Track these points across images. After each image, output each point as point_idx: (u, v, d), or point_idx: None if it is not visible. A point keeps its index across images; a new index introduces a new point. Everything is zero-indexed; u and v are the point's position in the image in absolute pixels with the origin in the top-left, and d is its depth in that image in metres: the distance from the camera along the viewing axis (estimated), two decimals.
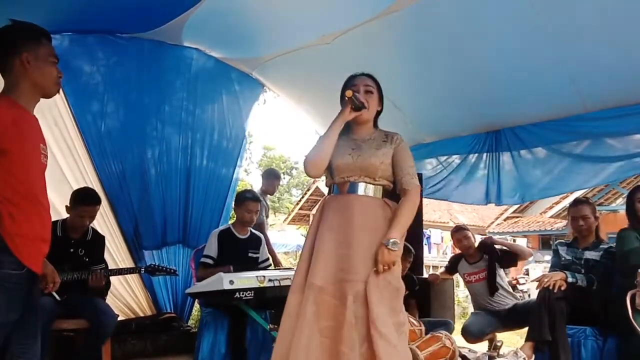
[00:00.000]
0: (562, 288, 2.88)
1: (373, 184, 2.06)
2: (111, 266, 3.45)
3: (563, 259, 3.22)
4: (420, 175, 4.28)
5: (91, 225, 3.10)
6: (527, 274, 10.71)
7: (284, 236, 16.93)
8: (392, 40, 3.33)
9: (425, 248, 12.77)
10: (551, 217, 14.20)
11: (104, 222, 3.67)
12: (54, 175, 3.32)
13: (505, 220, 16.28)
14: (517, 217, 16.21)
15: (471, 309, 4.40)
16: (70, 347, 2.88)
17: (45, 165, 1.77)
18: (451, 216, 17.21)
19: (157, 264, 3.28)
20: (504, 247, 3.88)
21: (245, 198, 3.45)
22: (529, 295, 7.95)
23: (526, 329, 3.07)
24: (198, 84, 4.10)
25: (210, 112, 4.25)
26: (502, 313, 3.63)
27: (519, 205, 16.31)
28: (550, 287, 2.89)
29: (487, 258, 3.72)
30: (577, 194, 12.40)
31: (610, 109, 3.21)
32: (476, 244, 3.87)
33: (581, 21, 2.73)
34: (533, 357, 2.91)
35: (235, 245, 3.40)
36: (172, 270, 3.25)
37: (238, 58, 4.09)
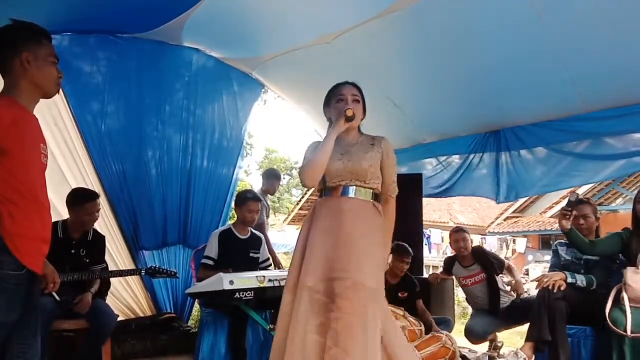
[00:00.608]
0: (562, 288, 2.89)
1: (363, 187, 2.13)
2: (111, 267, 3.45)
3: (563, 259, 3.22)
4: (420, 175, 4.33)
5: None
6: (527, 274, 10.73)
7: (284, 236, 16.90)
8: (392, 40, 3.33)
9: (425, 248, 12.77)
10: (551, 217, 14.19)
11: (103, 222, 3.67)
12: (54, 176, 3.32)
13: (505, 220, 16.27)
14: (517, 217, 16.21)
15: (471, 310, 4.41)
16: (70, 347, 2.88)
17: (46, 165, 1.76)
18: (451, 216, 17.21)
19: (157, 266, 3.28)
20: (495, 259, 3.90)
21: (247, 198, 3.45)
22: (529, 296, 7.94)
23: (526, 328, 3.07)
24: (198, 84, 4.10)
25: (210, 112, 4.25)
26: (502, 311, 3.63)
27: (519, 205, 16.34)
28: (550, 287, 2.89)
29: (480, 263, 3.73)
30: (579, 192, 12.40)
31: (610, 109, 3.21)
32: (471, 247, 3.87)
33: (581, 21, 2.73)
34: (533, 357, 2.91)
35: (235, 245, 3.41)
36: (172, 273, 3.25)
37: (238, 58, 4.09)
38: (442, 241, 14.97)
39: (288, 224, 19.16)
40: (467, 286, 3.82)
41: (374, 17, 3.07)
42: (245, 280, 2.66)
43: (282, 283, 2.68)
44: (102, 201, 3.64)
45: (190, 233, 4.17)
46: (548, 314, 2.85)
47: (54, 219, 1.98)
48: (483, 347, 3.78)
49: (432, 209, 16.16)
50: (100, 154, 3.71)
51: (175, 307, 4.20)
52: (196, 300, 3.75)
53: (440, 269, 4.34)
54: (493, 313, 3.65)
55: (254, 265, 3.44)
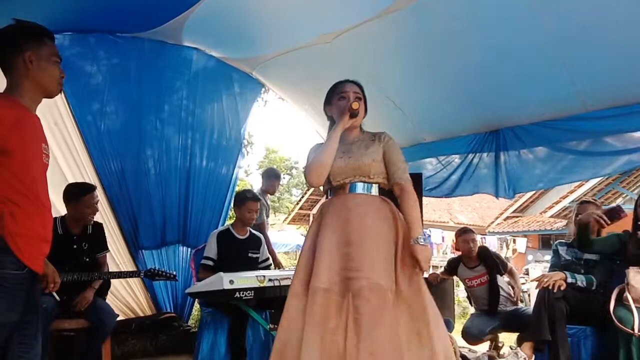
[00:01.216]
0: (562, 288, 2.89)
1: (369, 182, 2.11)
2: (111, 266, 3.46)
3: (563, 259, 3.22)
4: (420, 175, 4.33)
5: None
6: (527, 274, 10.71)
7: (284, 236, 16.91)
8: (392, 39, 3.33)
9: None
10: (551, 216, 14.19)
11: (103, 221, 3.66)
12: (54, 175, 3.31)
13: (505, 220, 16.27)
14: (517, 216, 16.21)
15: (471, 309, 4.40)
16: (70, 347, 2.88)
17: (47, 165, 1.77)
18: (451, 216, 17.22)
19: (157, 268, 3.29)
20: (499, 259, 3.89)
21: (246, 198, 3.46)
22: (529, 295, 7.95)
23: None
24: (198, 83, 4.10)
25: (210, 112, 4.25)
26: (503, 315, 3.62)
27: (519, 205, 16.34)
28: (550, 287, 2.89)
29: (485, 264, 3.72)
30: (579, 192, 12.42)
31: (610, 109, 3.21)
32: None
33: (581, 21, 2.72)
34: (533, 357, 2.91)
35: (234, 245, 3.41)
36: (172, 276, 3.25)
37: (238, 57, 4.09)
38: (443, 241, 14.96)
39: (288, 223, 19.18)
40: (473, 287, 3.81)
41: (373, 17, 3.07)
42: (245, 279, 2.67)
43: (282, 283, 2.69)
44: (102, 201, 3.66)
45: (189, 233, 4.18)
46: (548, 314, 2.85)
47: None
48: (483, 347, 3.78)
49: (432, 209, 16.17)
50: (100, 153, 3.71)
51: (175, 306, 4.20)
52: (196, 300, 3.76)
53: (441, 269, 4.34)
54: (491, 315, 3.65)
55: (253, 265, 3.45)
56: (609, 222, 2.77)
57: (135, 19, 3.36)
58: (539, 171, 3.73)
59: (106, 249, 3.23)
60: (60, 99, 3.39)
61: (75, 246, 2.99)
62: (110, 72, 3.72)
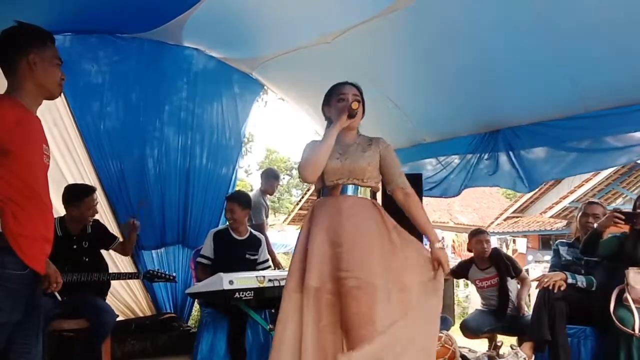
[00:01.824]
0: (562, 288, 2.89)
1: (361, 186, 2.14)
2: (111, 267, 3.46)
3: (563, 259, 3.22)
4: (420, 175, 4.32)
5: None
6: (527, 274, 10.71)
7: (284, 236, 16.89)
8: (392, 39, 3.33)
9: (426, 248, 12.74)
10: (551, 217, 14.19)
11: (103, 222, 3.67)
12: (54, 175, 3.31)
13: (505, 220, 16.26)
14: (517, 217, 16.21)
15: (471, 310, 4.40)
16: (70, 347, 2.88)
17: (48, 165, 1.78)
18: (451, 216, 17.20)
19: (156, 269, 3.30)
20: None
21: (227, 199, 3.51)
22: (529, 296, 7.94)
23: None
24: (198, 83, 4.10)
25: (210, 112, 4.26)
26: (505, 317, 3.61)
27: (519, 205, 16.34)
28: (550, 288, 2.89)
29: (497, 267, 3.70)
30: (579, 192, 12.40)
31: (610, 109, 3.21)
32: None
33: (581, 21, 2.72)
34: (533, 357, 2.91)
35: (231, 246, 3.40)
36: (171, 277, 3.26)
37: (238, 58, 4.09)
38: (442, 241, 14.95)
39: (288, 224, 19.15)
40: (483, 289, 3.79)
41: (373, 17, 3.07)
42: (245, 280, 2.67)
43: (282, 283, 2.67)
44: (102, 201, 3.66)
45: (189, 233, 4.18)
46: (548, 314, 2.85)
47: None
48: (483, 347, 3.78)
49: (432, 209, 16.15)
50: (99, 153, 3.72)
51: (175, 307, 4.20)
52: (196, 300, 3.75)
53: None
54: (495, 315, 3.65)
55: (251, 266, 3.43)
56: (625, 221, 2.81)
57: (135, 19, 3.36)
58: (540, 169, 3.73)
59: (115, 238, 3.26)
60: (60, 100, 3.39)
61: (75, 247, 3.00)
62: (110, 72, 3.73)
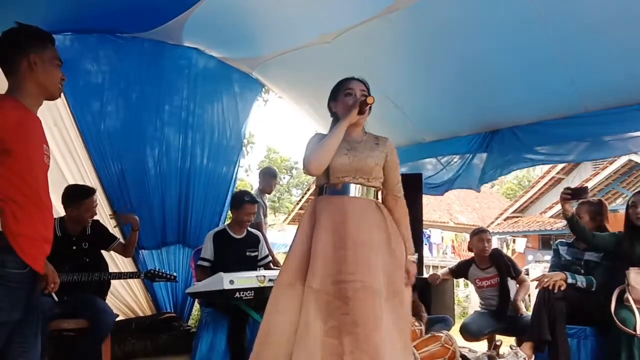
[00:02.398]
0: (562, 288, 2.89)
1: (366, 185, 2.10)
2: (111, 267, 3.46)
3: (563, 259, 3.22)
4: (420, 175, 4.33)
5: None
6: (527, 274, 10.71)
7: (284, 236, 16.90)
8: (392, 39, 3.33)
9: (426, 248, 12.77)
10: (551, 217, 14.20)
11: (103, 222, 3.67)
12: (54, 175, 3.31)
13: (505, 220, 16.27)
14: (517, 217, 16.21)
15: (471, 310, 4.40)
16: (70, 347, 2.88)
17: (48, 165, 1.78)
18: (451, 216, 17.22)
19: (157, 269, 3.29)
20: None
21: (244, 201, 3.45)
22: (529, 296, 7.94)
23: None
24: (198, 83, 4.10)
25: (210, 112, 4.25)
26: (505, 318, 3.61)
27: (519, 205, 16.34)
28: (550, 288, 2.89)
29: (497, 267, 3.70)
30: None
31: (610, 109, 3.21)
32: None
33: (581, 21, 2.72)
34: (533, 357, 2.92)
35: (231, 245, 3.40)
36: (172, 277, 3.25)
37: (238, 58, 4.09)
38: (442, 241, 14.96)
39: (288, 223, 19.15)
40: (482, 288, 3.79)
41: (373, 16, 3.07)
42: (245, 280, 2.67)
43: None
44: (102, 201, 3.66)
45: (189, 233, 4.17)
46: (548, 314, 2.86)
47: None
48: (483, 347, 3.78)
49: (432, 209, 16.16)
50: (99, 153, 3.71)
51: (175, 306, 4.20)
52: (196, 300, 3.75)
53: (441, 270, 4.33)
54: (495, 316, 3.65)
55: (253, 264, 3.44)
56: (572, 196, 2.94)
57: (135, 19, 3.36)
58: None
59: (115, 239, 3.25)
60: (60, 100, 3.36)
61: (74, 247, 2.99)
62: (110, 72, 3.72)
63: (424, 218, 4.64)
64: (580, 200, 3.30)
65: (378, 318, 1.89)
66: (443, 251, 15.01)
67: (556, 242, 3.46)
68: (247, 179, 19.26)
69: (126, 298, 3.98)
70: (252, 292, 2.65)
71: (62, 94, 1.90)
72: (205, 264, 3.34)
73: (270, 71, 4.17)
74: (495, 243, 13.04)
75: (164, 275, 3.22)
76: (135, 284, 4.01)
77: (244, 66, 4.21)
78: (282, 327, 1.96)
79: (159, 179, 4.01)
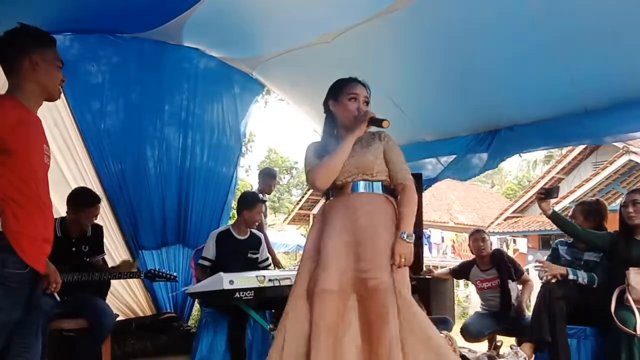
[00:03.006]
0: (558, 278, 2.90)
1: (372, 181, 2.09)
2: (111, 267, 3.45)
3: (563, 258, 3.22)
4: (420, 175, 4.33)
5: None
6: (527, 274, 10.70)
7: (284, 236, 16.92)
8: (392, 39, 3.33)
9: (426, 248, 12.78)
10: None
11: (103, 222, 3.67)
12: (54, 175, 3.29)
13: (505, 220, 16.27)
14: (517, 217, 16.21)
15: (471, 310, 4.40)
16: (70, 347, 2.88)
17: (48, 165, 1.79)
18: (451, 216, 17.22)
19: (157, 269, 3.29)
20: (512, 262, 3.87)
21: (257, 200, 3.49)
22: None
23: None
24: (198, 83, 4.10)
25: (210, 112, 4.25)
26: (505, 319, 3.61)
27: (519, 205, 16.34)
28: (549, 279, 2.91)
29: (498, 268, 3.70)
30: (579, 192, 12.37)
31: (610, 109, 3.21)
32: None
33: (581, 21, 2.72)
34: (533, 357, 2.92)
35: (234, 246, 3.41)
36: (172, 277, 3.25)
37: (238, 58, 4.09)
38: (442, 241, 14.97)
39: (288, 224, 19.17)
40: (483, 290, 3.79)
41: (373, 16, 3.07)
42: (245, 280, 2.67)
43: (283, 283, 2.69)
44: (102, 201, 3.65)
45: (189, 233, 4.18)
46: (548, 314, 2.86)
47: None
48: (483, 347, 3.78)
49: (432, 209, 16.17)
50: (99, 153, 3.71)
51: (175, 306, 4.20)
52: (196, 300, 3.76)
53: (440, 270, 4.33)
54: (495, 317, 3.64)
55: (253, 265, 3.45)
56: (546, 196, 2.99)
57: (135, 19, 3.36)
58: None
59: (102, 252, 3.22)
60: (60, 100, 3.37)
61: (74, 248, 3.00)
62: (110, 72, 3.72)
63: (424, 218, 4.64)
64: (580, 201, 3.32)
65: (389, 316, 1.87)
66: (443, 251, 15.02)
67: (555, 241, 3.46)
68: (247, 179, 19.25)
69: (126, 298, 3.98)
70: (252, 292, 2.65)
71: (62, 93, 1.90)
72: (206, 263, 3.34)
73: (270, 71, 4.16)
74: (495, 243, 13.08)
75: (164, 275, 3.22)
76: (136, 284, 4.02)
77: (244, 66, 4.21)
78: (299, 339, 1.93)
79: (159, 179, 4.01)
